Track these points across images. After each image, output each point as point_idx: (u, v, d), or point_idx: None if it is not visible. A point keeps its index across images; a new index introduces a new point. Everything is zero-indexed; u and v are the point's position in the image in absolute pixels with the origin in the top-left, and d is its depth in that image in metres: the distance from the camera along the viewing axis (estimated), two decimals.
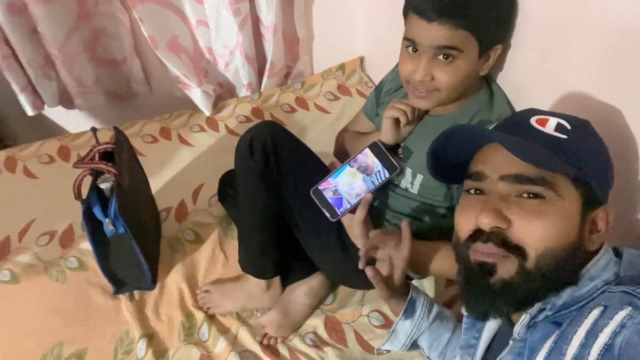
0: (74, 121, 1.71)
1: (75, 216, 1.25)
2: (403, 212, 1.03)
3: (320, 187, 0.88)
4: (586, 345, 0.50)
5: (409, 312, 0.81)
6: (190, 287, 1.16)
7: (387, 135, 0.97)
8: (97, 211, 1.00)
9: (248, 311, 1.13)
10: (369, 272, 0.80)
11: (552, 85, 0.89)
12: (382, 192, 1.06)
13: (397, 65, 0.98)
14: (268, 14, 1.51)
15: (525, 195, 0.57)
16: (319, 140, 1.36)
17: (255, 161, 0.95)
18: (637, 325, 0.48)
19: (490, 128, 0.67)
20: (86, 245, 1.21)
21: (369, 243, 0.85)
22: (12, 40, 1.39)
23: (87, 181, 1.04)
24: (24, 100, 1.52)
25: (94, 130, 1.10)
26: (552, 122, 0.61)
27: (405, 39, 0.88)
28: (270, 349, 1.05)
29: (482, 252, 0.59)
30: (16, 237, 1.26)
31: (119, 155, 1.06)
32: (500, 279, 0.58)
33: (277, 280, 1.11)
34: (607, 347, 0.48)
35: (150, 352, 1.04)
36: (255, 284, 1.10)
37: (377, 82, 1.31)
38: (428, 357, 0.86)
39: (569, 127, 0.61)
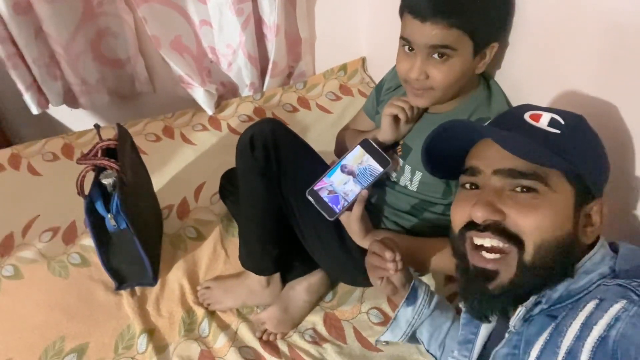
0: (78, 120, 1.73)
1: (78, 213, 1.26)
2: (402, 209, 1.04)
3: (315, 188, 0.88)
4: (581, 337, 0.50)
5: (411, 299, 0.82)
6: (191, 284, 1.17)
7: (386, 132, 0.98)
8: (100, 206, 1.01)
9: (248, 307, 1.13)
10: (375, 282, 0.82)
11: (549, 82, 0.90)
12: (381, 189, 1.06)
13: None
14: (271, 14, 1.52)
15: (518, 189, 0.58)
16: (321, 139, 1.36)
17: (256, 157, 0.96)
18: (631, 318, 0.48)
19: (486, 124, 0.68)
20: (89, 242, 1.23)
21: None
22: (18, 40, 1.41)
23: (90, 178, 1.05)
24: (28, 99, 1.53)
25: (97, 127, 1.11)
26: (546, 117, 0.62)
27: (401, 38, 0.89)
28: (270, 344, 1.06)
29: (481, 256, 0.60)
30: (20, 233, 1.27)
31: (121, 152, 1.07)
32: (500, 286, 0.59)
33: (277, 276, 1.12)
34: (602, 340, 0.48)
35: (150, 347, 1.05)
36: (255, 280, 1.11)
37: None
38: (427, 350, 0.86)
39: (562, 122, 0.61)
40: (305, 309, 1.10)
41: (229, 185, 1.26)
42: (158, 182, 1.36)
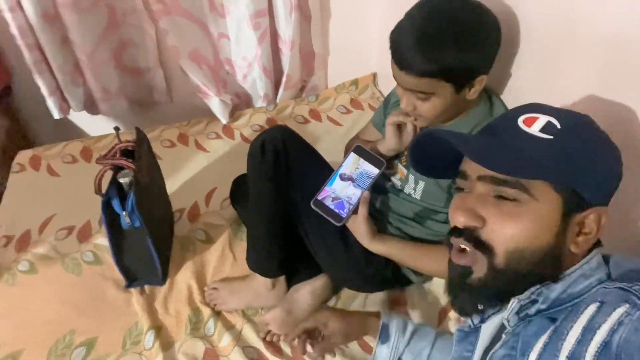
0: (97, 125, 1.79)
1: (93, 213, 1.31)
2: (406, 215, 1.07)
3: (319, 197, 0.90)
4: (583, 342, 0.49)
5: (384, 337, 0.85)
6: (199, 284, 1.20)
7: (390, 141, 1.01)
8: (116, 204, 1.05)
9: (253, 309, 1.16)
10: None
11: (551, 95, 0.92)
12: (385, 195, 1.09)
13: None
14: (286, 29, 1.58)
15: (500, 196, 0.58)
16: (330, 150, 1.39)
17: (266, 162, 0.99)
18: (634, 322, 0.47)
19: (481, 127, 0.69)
20: (102, 241, 1.27)
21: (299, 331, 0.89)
22: (44, 47, 1.47)
23: (108, 177, 1.10)
24: (51, 104, 1.60)
25: (116, 129, 1.16)
26: (541, 121, 0.60)
27: None
28: (273, 345, 1.08)
29: (458, 253, 0.61)
30: (36, 230, 1.32)
31: (138, 154, 1.12)
32: (477, 278, 0.60)
33: (282, 279, 1.15)
34: (605, 345, 0.47)
35: (157, 344, 1.08)
36: (261, 282, 1.13)
37: None
38: None
39: (558, 126, 0.59)
40: (308, 312, 1.12)
41: (239, 190, 1.29)
42: (171, 186, 1.40)
